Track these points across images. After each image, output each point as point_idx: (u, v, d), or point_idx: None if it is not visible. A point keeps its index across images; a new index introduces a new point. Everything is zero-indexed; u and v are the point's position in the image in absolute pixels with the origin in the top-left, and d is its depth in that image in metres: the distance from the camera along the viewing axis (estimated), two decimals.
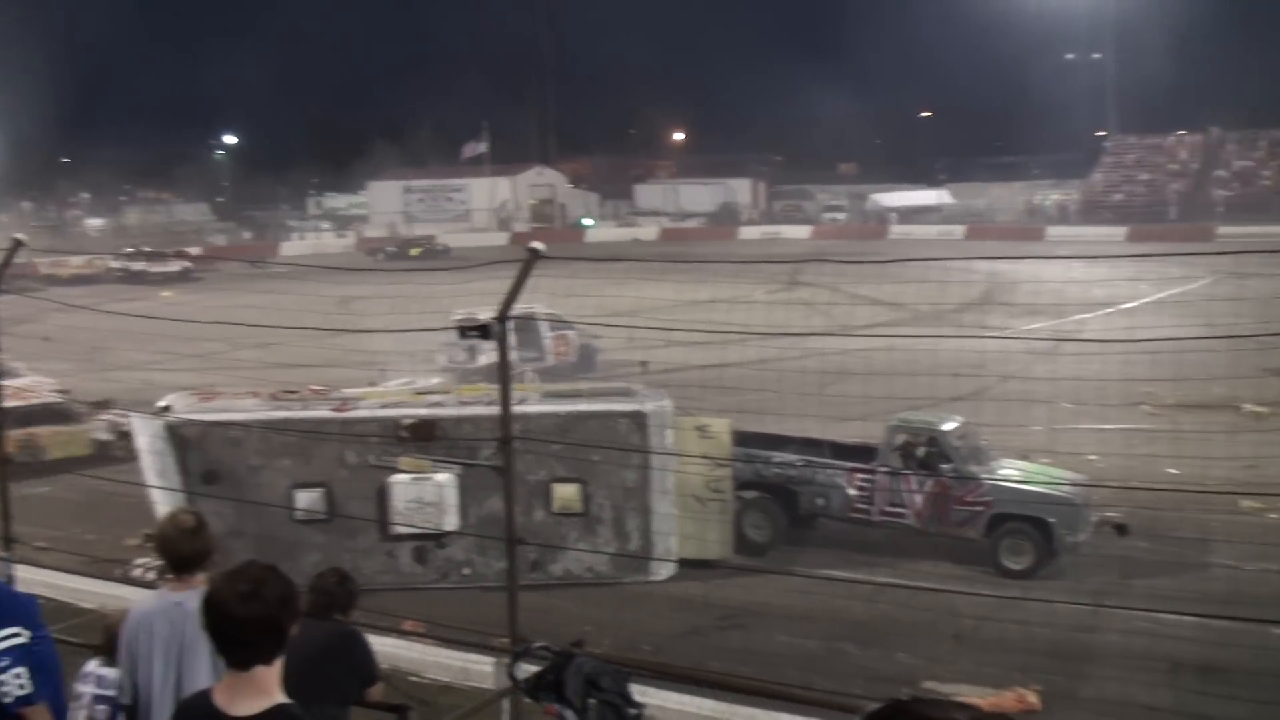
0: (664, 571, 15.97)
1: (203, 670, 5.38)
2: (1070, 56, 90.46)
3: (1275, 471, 17.90)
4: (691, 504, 16.26)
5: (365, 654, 6.65)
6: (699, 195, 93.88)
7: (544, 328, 31.38)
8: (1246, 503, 17.17)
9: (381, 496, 15.70)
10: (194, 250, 68.97)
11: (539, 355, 31.16)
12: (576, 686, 7.02)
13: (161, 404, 16.73)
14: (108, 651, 6.30)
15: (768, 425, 18.36)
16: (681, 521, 16.05)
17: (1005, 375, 23.10)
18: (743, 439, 17.29)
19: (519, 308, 27.76)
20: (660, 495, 15.98)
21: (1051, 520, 16.10)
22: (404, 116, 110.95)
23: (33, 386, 23.49)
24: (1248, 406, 23.83)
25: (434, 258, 63.54)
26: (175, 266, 57.13)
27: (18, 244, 11.95)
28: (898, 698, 2.82)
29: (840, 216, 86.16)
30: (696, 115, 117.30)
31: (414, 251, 66.68)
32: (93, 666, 6.24)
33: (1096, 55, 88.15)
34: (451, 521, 15.57)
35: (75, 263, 54.77)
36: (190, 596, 5.46)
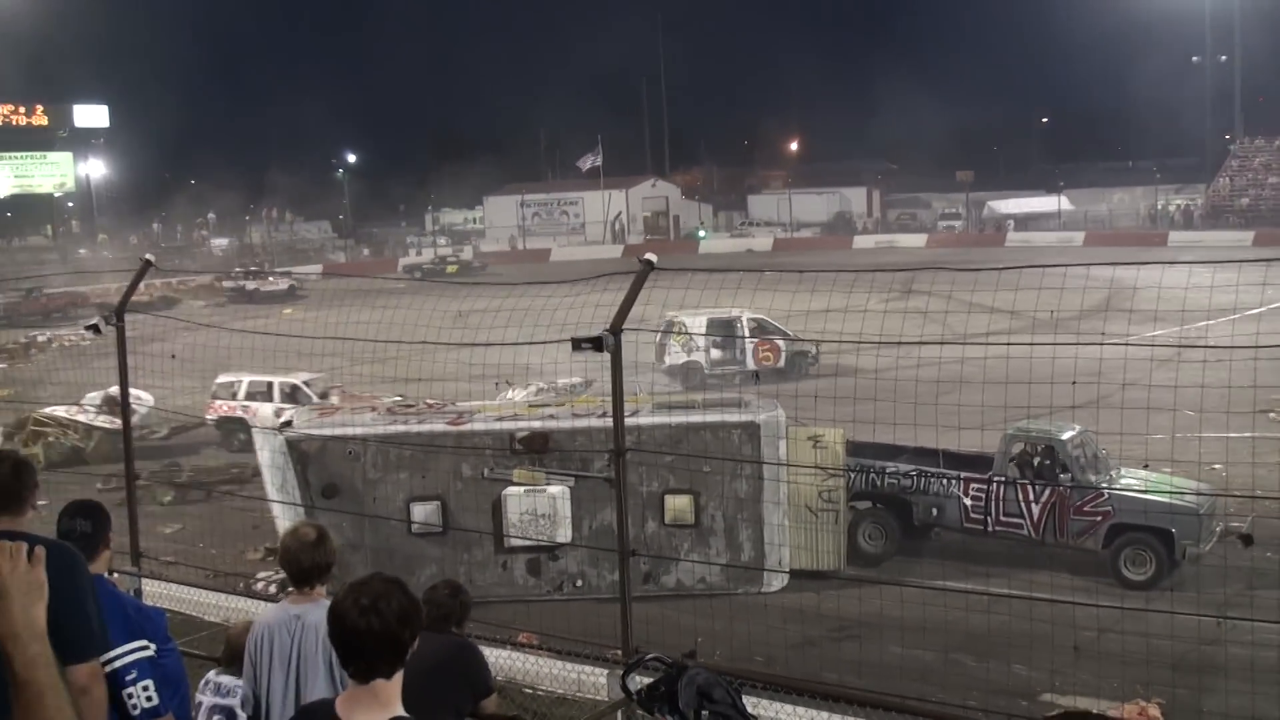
0: (776, 583, 15.96)
1: (320, 682, 5.52)
2: (1196, 59, 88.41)
3: None
4: (804, 514, 16.23)
5: (480, 666, 6.74)
6: (813, 205, 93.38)
7: (745, 332, 31.93)
8: None
9: (496, 509, 15.91)
10: (314, 267, 70.57)
11: (739, 360, 31.68)
12: (689, 698, 7.04)
13: (282, 420, 17.12)
14: (228, 663, 6.48)
15: (882, 435, 18.25)
16: (794, 532, 16.03)
17: (1125, 383, 22.63)
18: (857, 449, 17.23)
19: (719, 312, 28.18)
20: (773, 506, 15.98)
21: (1173, 530, 15.80)
22: (520, 131, 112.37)
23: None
24: None
25: (469, 273, 66.32)
26: (283, 285, 58.51)
27: (147, 264, 12.32)
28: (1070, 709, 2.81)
29: (956, 224, 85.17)
30: (810, 125, 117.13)
31: (450, 269, 67.75)
32: (212, 675, 6.43)
33: (1223, 57, 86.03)
34: (565, 533, 15.73)
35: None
36: (310, 609, 5.60)
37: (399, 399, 25.40)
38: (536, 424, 16.46)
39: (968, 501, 16.94)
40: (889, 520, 17.43)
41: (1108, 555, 16.25)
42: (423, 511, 16.06)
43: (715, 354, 32.12)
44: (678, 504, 15.95)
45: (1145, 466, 17.77)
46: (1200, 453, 19.40)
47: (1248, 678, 12.86)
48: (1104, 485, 16.47)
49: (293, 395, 26.99)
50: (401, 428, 16.59)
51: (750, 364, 31.80)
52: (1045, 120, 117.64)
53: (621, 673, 8.06)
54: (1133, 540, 16.08)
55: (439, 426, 16.64)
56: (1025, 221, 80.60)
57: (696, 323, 31.82)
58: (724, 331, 32.06)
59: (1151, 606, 14.56)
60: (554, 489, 15.76)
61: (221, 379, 27.38)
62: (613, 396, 9.72)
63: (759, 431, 16.02)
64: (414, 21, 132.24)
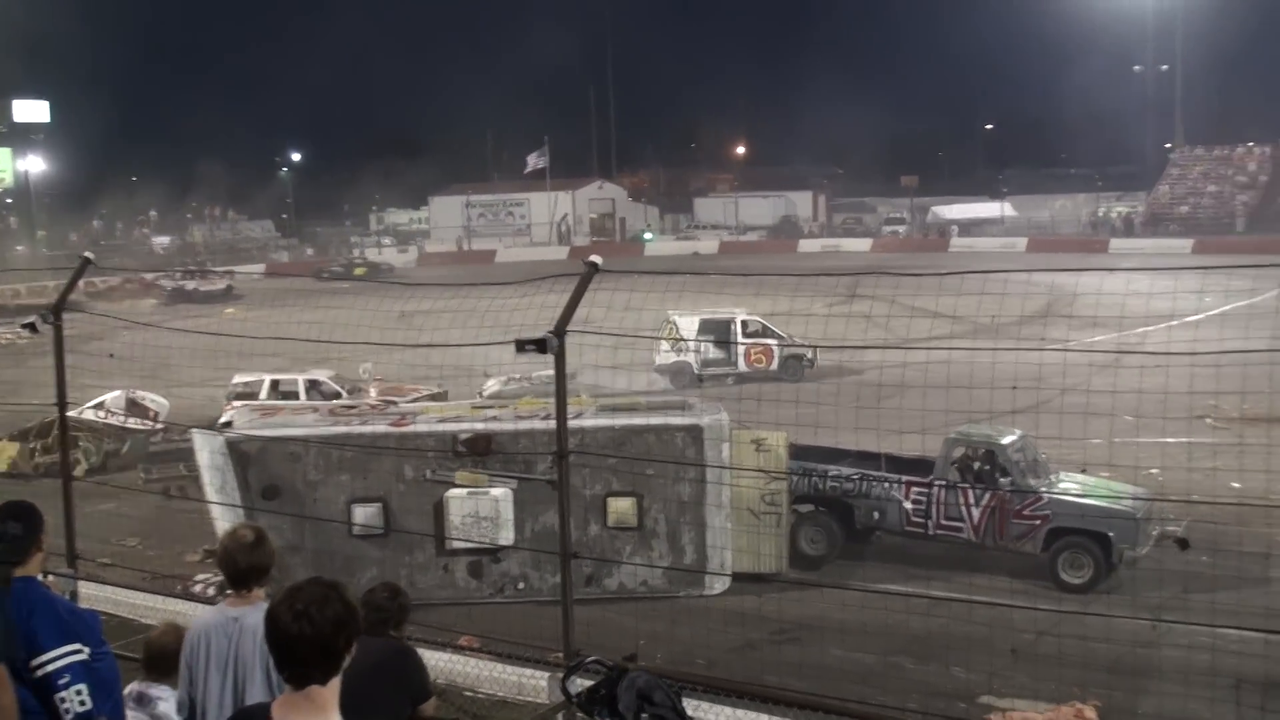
0: (718, 585, 16.00)
1: (257, 686, 5.46)
2: (1138, 68, 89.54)
3: None
4: (747, 518, 16.27)
5: (418, 670, 6.70)
6: (759, 208, 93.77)
7: (739, 334, 31.91)
8: None
9: (438, 511, 15.84)
10: (257, 266, 70.01)
11: (731, 362, 31.72)
12: (629, 701, 7.03)
13: (222, 420, 16.97)
14: (149, 668, 6.35)
15: (825, 439, 18.35)
16: (736, 535, 16.07)
17: (1065, 388, 22.89)
18: (799, 452, 17.30)
19: (713, 313, 28.15)
20: (715, 509, 16.00)
21: (1110, 534, 15.98)
22: (466, 132, 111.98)
23: None
24: None
25: (378, 275, 65.64)
26: (220, 285, 58.03)
27: (86, 262, 12.17)
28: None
29: (901, 229, 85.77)
30: (757, 129, 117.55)
31: (358, 271, 67.83)
32: (135, 686, 6.30)
33: (1164, 67, 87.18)
34: (507, 536, 15.69)
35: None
36: (248, 612, 5.54)
37: (439, 389, 25.78)
38: (480, 426, 16.41)
39: (909, 505, 17.06)
40: (831, 523, 17.51)
41: (1046, 559, 16.40)
42: (364, 513, 15.96)
43: (712, 354, 32.05)
44: (620, 506, 15.94)
45: (1083, 471, 17.99)
46: (1137, 457, 19.65)
47: (1182, 680, 13.03)
48: (1043, 489, 16.62)
49: (316, 393, 26.90)
50: (344, 429, 16.48)
51: (742, 366, 31.78)
52: (990, 127, 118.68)
53: (562, 675, 8.05)
54: (1071, 544, 16.26)
55: (381, 428, 16.55)
56: (969, 227, 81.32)
57: (689, 323, 31.90)
58: (719, 332, 32.18)
59: (1088, 609, 14.73)
60: (496, 491, 15.72)
61: (239, 379, 26.89)
62: (556, 399, 9.72)
63: (702, 434, 16.05)
64: (360, 20, 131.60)
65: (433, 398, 25.55)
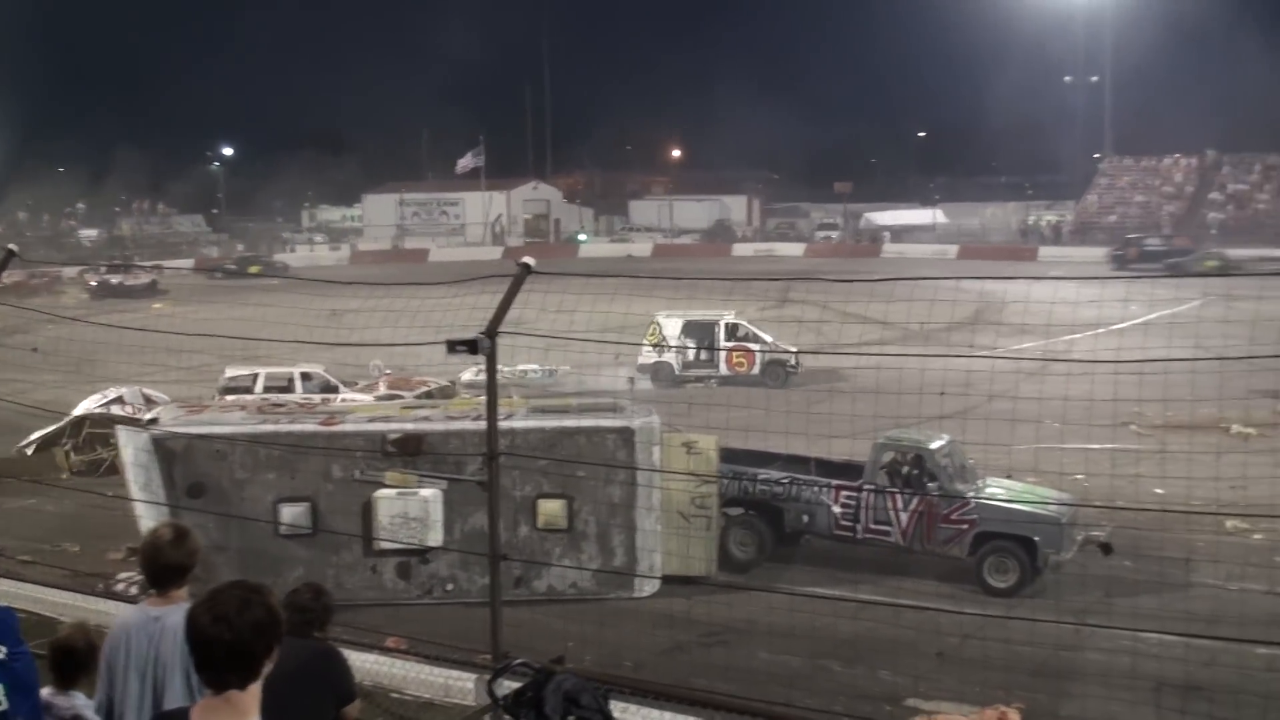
0: (648, 588, 16.00)
1: (178, 688, 5.38)
2: (1068, 79, 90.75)
3: (1261, 492, 17.94)
4: (677, 520, 16.29)
5: (342, 672, 6.64)
6: (693, 212, 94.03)
7: (720, 337, 31.74)
8: (1232, 523, 17.27)
9: (366, 511, 15.72)
10: (186, 261, 69.15)
11: (713, 364, 31.64)
12: (555, 704, 7.01)
13: (148, 416, 16.73)
14: (55, 669, 6.14)
15: (755, 442, 18.41)
16: (666, 538, 16.08)
17: (992, 394, 23.18)
18: (730, 456, 17.33)
19: (703, 314, 28.01)
20: (646, 512, 16.00)
21: (1036, 539, 16.16)
22: (401, 130, 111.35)
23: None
24: (1236, 427, 23.90)
25: (274, 275, 64.21)
26: (144, 279, 57.27)
27: (10, 254, 11.96)
28: None
29: (834, 235, 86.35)
30: (693, 132, 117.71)
31: (253, 269, 67.07)
32: (45, 694, 6.08)
33: (1094, 78, 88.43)
34: (436, 537, 15.59)
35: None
36: (170, 612, 5.45)
37: (449, 383, 25.77)
38: (410, 426, 16.31)
39: (838, 509, 17.15)
40: (760, 527, 17.57)
41: (973, 562, 16.56)
42: (291, 513, 15.80)
43: (695, 355, 31.96)
44: (551, 508, 15.90)
45: (1009, 476, 18.18)
46: (1063, 463, 19.91)
47: (1104, 683, 13.21)
48: (970, 494, 16.78)
49: (311, 384, 26.81)
50: (272, 428, 16.32)
51: (723, 369, 31.70)
52: (922, 135, 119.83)
53: (489, 678, 8.02)
54: (997, 548, 16.42)
55: (310, 427, 16.40)
56: (901, 233, 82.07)
57: (674, 323, 31.85)
58: (702, 334, 32.11)
59: (1013, 613, 14.88)
60: (426, 492, 15.62)
61: (231, 372, 26.61)
62: (487, 399, 9.68)
63: (634, 437, 16.05)
64: (297, 14, 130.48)
65: (442, 392, 25.69)
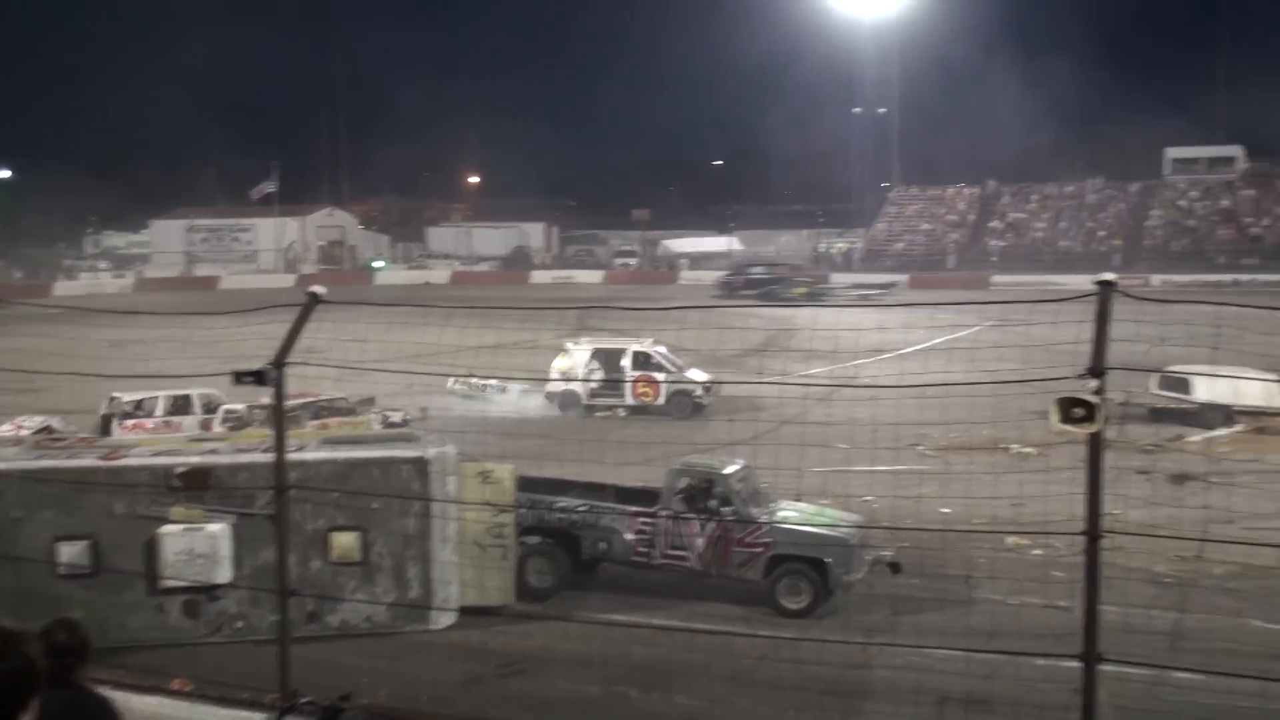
0: (444, 620, 15.82)
1: None
2: (857, 110, 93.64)
3: (1037, 509, 18.70)
4: (473, 550, 16.17)
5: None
6: (491, 239, 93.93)
7: (627, 366, 30.97)
8: (1011, 540, 17.93)
9: (151, 549, 15.19)
10: None
11: (619, 393, 30.87)
12: None
13: None
14: None
15: (552, 470, 18.42)
16: (462, 569, 15.94)
17: (783, 420, 23.67)
18: (526, 484, 17.30)
19: (614, 341, 27.51)
20: (441, 543, 15.85)
21: (827, 560, 16.50)
22: (191, 154, 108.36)
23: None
24: (1015, 447, 24.85)
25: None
26: None
27: None
28: None
29: (631, 261, 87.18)
30: (491, 160, 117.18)
31: None
32: None
33: (881, 110, 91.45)
34: (224, 573, 15.14)
35: None
36: None
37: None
38: (196, 459, 15.84)
39: (633, 536, 17.25)
40: (557, 555, 17.54)
41: (767, 585, 16.82)
42: (70, 552, 15.16)
43: (602, 384, 31.20)
44: (344, 541, 15.61)
45: (799, 499, 18.53)
46: (852, 486, 20.43)
47: (891, 699, 13.58)
48: (764, 518, 17.06)
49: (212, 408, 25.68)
50: (50, 463, 15.67)
51: (629, 399, 31.00)
52: (719, 163, 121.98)
53: (275, 717, 7.84)
54: (790, 571, 16.70)
55: (90, 462, 15.79)
56: (698, 260, 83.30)
57: (581, 351, 31.19)
58: (610, 362, 31.36)
59: (806, 634, 15.19)
60: (214, 527, 15.17)
61: (125, 396, 25.17)
62: (275, 431, 9.48)
63: (427, 467, 15.89)
64: (80, 32, 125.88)
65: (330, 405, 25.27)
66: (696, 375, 30.74)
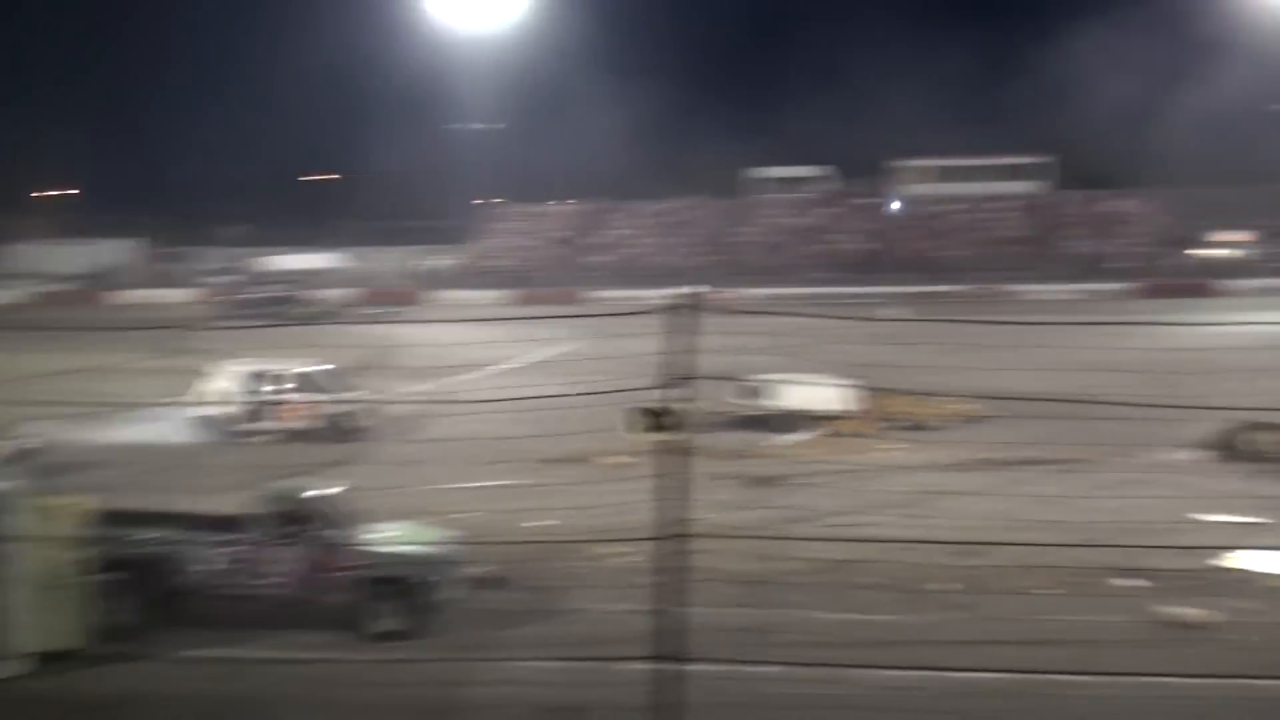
0: (11, 668, 14.61)
1: None
2: (473, 125, 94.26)
3: (633, 518, 19.23)
4: (44, 591, 15.02)
5: None
6: (74, 257, 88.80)
7: (289, 389, 28.72)
8: (598, 549, 18.35)
9: None
10: None
11: (261, 418, 28.75)
12: None
13: None
14: None
15: (142, 500, 17.51)
16: (31, 611, 14.75)
17: (385, 438, 23.55)
18: (111, 517, 16.27)
19: (267, 364, 24.88)
20: (10, 584, 14.67)
21: (422, 580, 16.23)
22: None
23: None
24: (607, 459, 25.12)
25: None
26: None
27: None
28: None
29: (228, 279, 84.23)
30: (82, 172, 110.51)
31: None
32: None
33: (476, 125, 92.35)
34: None
35: None
36: None
37: None
38: None
39: (223, 565, 16.49)
40: (140, 590, 16.44)
41: (364, 608, 16.37)
42: None
43: (243, 409, 28.91)
44: None
45: (398, 519, 18.29)
46: (456, 502, 20.44)
47: (491, 714, 13.63)
48: (359, 541, 16.66)
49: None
50: None
51: (271, 424, 28.96)
52: (320, 179, 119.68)
53: None
54: (384, 592, 16.23)
55: None
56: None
57: (236, 373, 28.71)
58: (256, 386, 29.00)
59: (406, 656, 15.02)
60: None
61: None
62: None
63: None
64: None
65: None
66: (359, 395, 29.79)
